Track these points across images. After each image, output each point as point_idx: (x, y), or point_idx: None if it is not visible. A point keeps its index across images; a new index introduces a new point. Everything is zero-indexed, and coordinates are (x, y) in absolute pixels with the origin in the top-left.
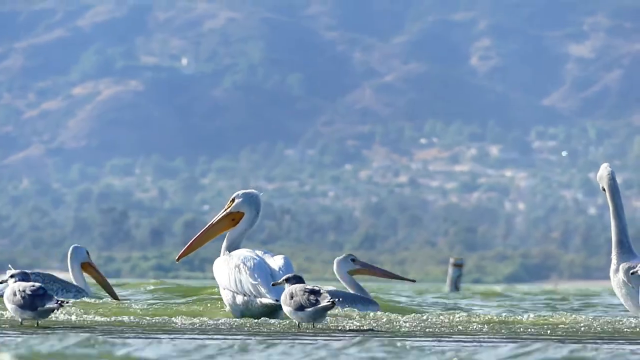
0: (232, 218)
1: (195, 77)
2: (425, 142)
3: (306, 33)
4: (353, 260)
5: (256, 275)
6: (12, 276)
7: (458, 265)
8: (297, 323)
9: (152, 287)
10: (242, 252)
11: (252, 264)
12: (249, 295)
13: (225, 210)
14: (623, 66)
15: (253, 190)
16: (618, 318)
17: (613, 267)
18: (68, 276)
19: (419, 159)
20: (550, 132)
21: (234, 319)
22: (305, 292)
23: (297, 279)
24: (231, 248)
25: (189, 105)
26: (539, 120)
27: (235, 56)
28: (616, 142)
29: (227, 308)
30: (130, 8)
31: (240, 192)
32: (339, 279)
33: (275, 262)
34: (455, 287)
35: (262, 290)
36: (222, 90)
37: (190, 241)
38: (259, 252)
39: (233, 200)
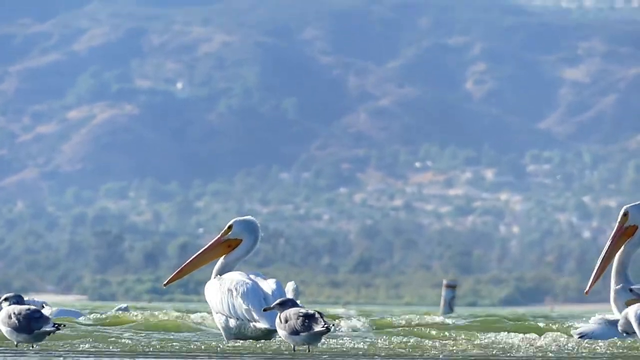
0: (229, 245)
1: (190, 101)
2: (420, 166)
3: (301, 57)
4: (630, 290)
5: (248, 301)
6: (6, 299)
7: (451, 287)
8: (292, 346)
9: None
10: (234, 276)
11: (245, 289)
12: (243, 320)
13: (221, 236)
14: (618, 91)
15: (251, 218)
16: None
17: (614, 285)
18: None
19: (414, 183)
20: (545, 156)
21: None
22: (300, 316)
23: (292, 303)
24: (223, 272)
25: (184, 129)
26: (533, 144)
27: (230, 80)
28: (611, 167)
29: (220, 330)
30: (125, 32)
31: (239, 219)
32: (615, 308)
33: (268, 285)
34: (450, 308)
35: (255, 316)
36: (217, 114)
37: (182, 266)
38: (252, 275)
39: (230, 227)
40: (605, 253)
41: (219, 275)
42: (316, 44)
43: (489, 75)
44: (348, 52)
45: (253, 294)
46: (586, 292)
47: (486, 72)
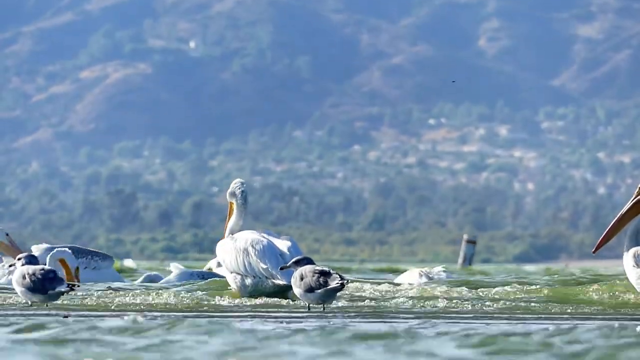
0: (233, 208)
1: (204, 60)
2: (434, 123)
3: (314, 16)
4: None
5: (266, 259)
6: (20, 259)
7: (472, 242)
8: (307, 305)
9: None
10: (248, 235)
11: (260, 247)
12: (260, 277)
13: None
14: (632, 47)
15: (235, 182)
16: None
17: (625, 251)
18: None
19: (428, 140)
20: (559, 113)
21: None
22: (315, 273)
23: (307, 261)
24: (234, 232)
25: (198, 88)
26: (547, 101)
27: (244, 39)
28: (625, 122)
29: (234, 289)
30: None
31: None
32: (627, 270)
33: (283, 243)
34: (469, 264)
35: (274, 273)
36: (230, 74)
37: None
38: (264, 234)
39: None
40: (616, 221)
41: (231, 235)
42: (329, 2)
43: (502, 33)
44: (360, 10)
45: (270, 252)
46: (594, 251)
47: (499, 29)
